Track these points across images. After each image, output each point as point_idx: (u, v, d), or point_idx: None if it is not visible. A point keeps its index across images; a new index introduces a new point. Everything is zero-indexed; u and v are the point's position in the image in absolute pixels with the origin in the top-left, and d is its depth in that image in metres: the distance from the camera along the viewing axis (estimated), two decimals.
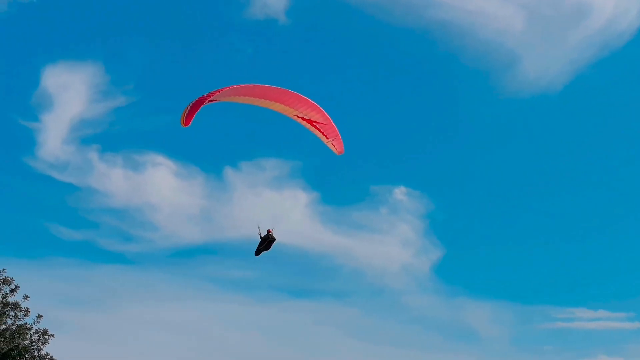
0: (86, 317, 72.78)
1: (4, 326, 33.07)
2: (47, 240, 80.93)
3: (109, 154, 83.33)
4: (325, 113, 19.15)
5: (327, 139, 20.16)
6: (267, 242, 21.59)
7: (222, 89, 18.37)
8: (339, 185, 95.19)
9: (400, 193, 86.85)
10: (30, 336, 33.27)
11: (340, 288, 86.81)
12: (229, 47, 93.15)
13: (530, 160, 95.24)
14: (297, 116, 19.19)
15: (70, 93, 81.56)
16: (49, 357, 33.41)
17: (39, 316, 33.74)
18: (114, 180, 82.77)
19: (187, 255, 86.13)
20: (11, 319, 33.64)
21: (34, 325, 33.50)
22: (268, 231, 21.34)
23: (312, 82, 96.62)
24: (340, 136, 19.92)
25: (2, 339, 32.19)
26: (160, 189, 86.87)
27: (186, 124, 18.26)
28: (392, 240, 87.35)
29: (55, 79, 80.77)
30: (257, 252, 21.54)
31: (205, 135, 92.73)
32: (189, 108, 18.26)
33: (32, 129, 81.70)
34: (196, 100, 18.19)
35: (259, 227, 21.16)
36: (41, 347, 33.41)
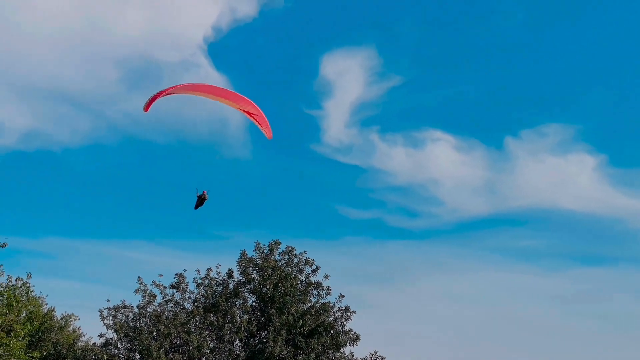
0: (379, 292, 75.25)
1: (309, 304, 34.72)
2: (338, 221, 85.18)
3: (389, 134, 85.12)
4: (257, 107, 23.93)
5: (262, 126, 24.64)
6: (201, 200, 25.83)
7: (180, 85, 23.02)
8: (628, 146, 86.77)
9: None
10: (334, 313, 34.44)
11: (638, 253, 79.23)
12: (499, 13, 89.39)
13: None
14: (239, 109, 23.82)
15: (348, 78, 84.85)
16: (352, 332, 34.19)
17: (341, 295, 34.91)
18: (396, 159, 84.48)
19: (473, 228, 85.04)
20: (315, 297, 35.25)
21: (336, 304, 34.69)
22: (203, 192, 25.73)
23: (594, 39, 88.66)
24: (269, 125, 24.71)
25: (309, 316, 33.71)
26: (441, 164, 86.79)
27: (146, 109, 22.59)
28: None
29: (333, 66, 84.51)
30: (196, 207, 26.11)
31: (483, 107, 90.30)
32: (150, 97, 22.62)
33: (316, 116, 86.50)
34: (158, 92, 22.53)
35: (197, 189, 25.78)
36: (344, 323, 34.40)
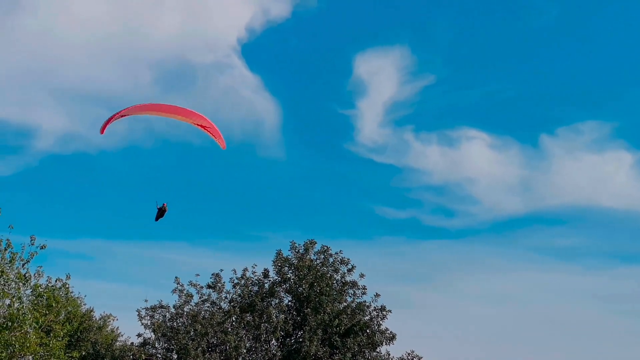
0: (416, 292, 74.69)
1: (345, 304, 34.59)
2: (373, 220, 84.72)
3: (423, 133, 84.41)
4: (209, 120, 24.64)
5: (215, 138, 25.14)
6: (161, 211, 25.80)
7: (132, 107, 23.60)
8: None
9: None
10: (370, 313, 34.27)
11: None
12: (533, 10, 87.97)
13: None
14: (193, 123, 24.55)
15: (381, 78, 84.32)
16: (389, 331, 33.98)
17: (377, 295, 34.71)
18: (431, 158, 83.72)
19: (510, 226, 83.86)
20: (350, 296, 35.11)
21: (372, 303, 34.50)
22: (163, 204, 25.80)
23: (630, 35, 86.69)
24: (222, 136, 25.31)
25: (345, 316, 33.59)
26: (476, 162, 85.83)
27: (102, 132, 23.53)
28: None
29: (366, 66, 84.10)
30: (156, 219, 25.98)
31: (518, 105, 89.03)
32: (105, 120, 23.47)
33: (349, 115, 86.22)
34: (112, 115, 23.32)
35: (157, 202, 25.86)
36: (380, 322, 34.21)
